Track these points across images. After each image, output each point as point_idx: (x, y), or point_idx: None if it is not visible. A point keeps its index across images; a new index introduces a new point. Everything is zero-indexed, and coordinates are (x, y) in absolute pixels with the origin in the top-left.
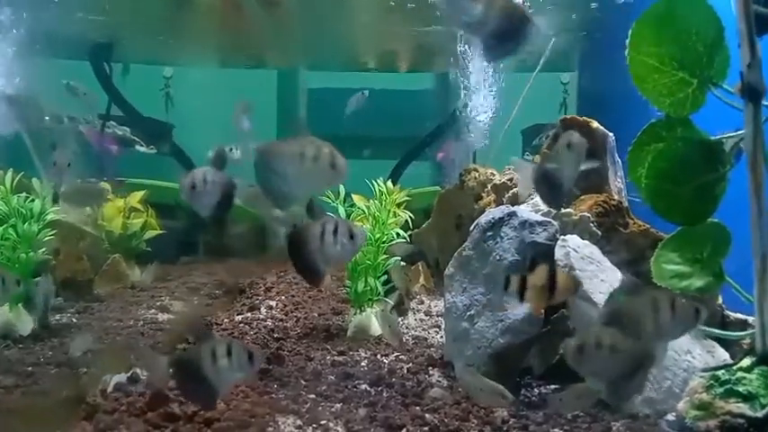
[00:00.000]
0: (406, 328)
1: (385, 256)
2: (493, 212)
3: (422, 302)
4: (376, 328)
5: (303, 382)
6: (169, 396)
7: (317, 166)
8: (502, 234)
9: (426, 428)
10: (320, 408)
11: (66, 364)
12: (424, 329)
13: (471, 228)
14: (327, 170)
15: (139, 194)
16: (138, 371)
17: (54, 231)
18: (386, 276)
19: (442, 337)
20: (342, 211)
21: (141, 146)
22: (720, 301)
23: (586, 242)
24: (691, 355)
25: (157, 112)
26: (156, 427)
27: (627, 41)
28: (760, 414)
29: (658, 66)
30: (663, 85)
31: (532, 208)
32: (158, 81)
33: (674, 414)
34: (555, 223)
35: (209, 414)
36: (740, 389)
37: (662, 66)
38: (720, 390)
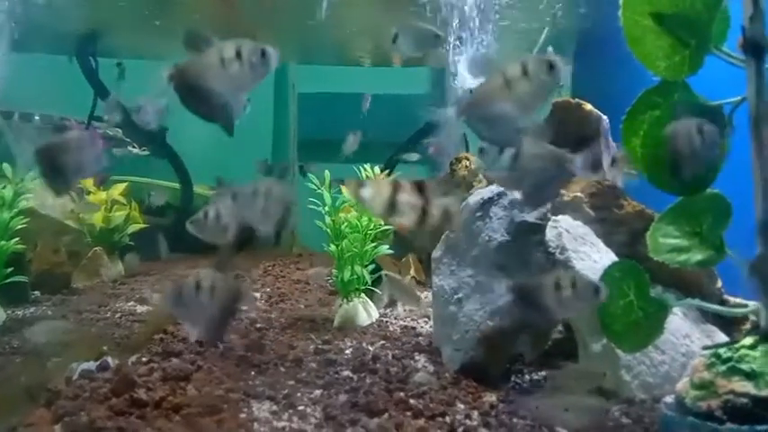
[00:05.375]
0: (395, 318)
1: (373, 245)
2: (482, 192)
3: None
4: (364, 317)
5: (283, 369)
6: (136, 381)
7: None
8: (491, 214)
9: (410, 413)
10: (298, 393)
11: (33, 354)
12: (413, 319)
13: (460, 208)
14: None
15: (121, 187)
16: (109, 359)
17: (26, 219)
18: (374, 265)
19: (431, 326)
20: (327, 196)
21: (134, 147)
22: (720, 284)
23: (579, 223)
24: (689, 339)
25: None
26: (119, 413)
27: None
28: (765, 393)
29: (654, 26)
30: (658, 47)
31: None
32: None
33: (673, 395)
34: None
35: (178, 400)
36: (743, 367)
37: (659, 26)
38: (723, 368)
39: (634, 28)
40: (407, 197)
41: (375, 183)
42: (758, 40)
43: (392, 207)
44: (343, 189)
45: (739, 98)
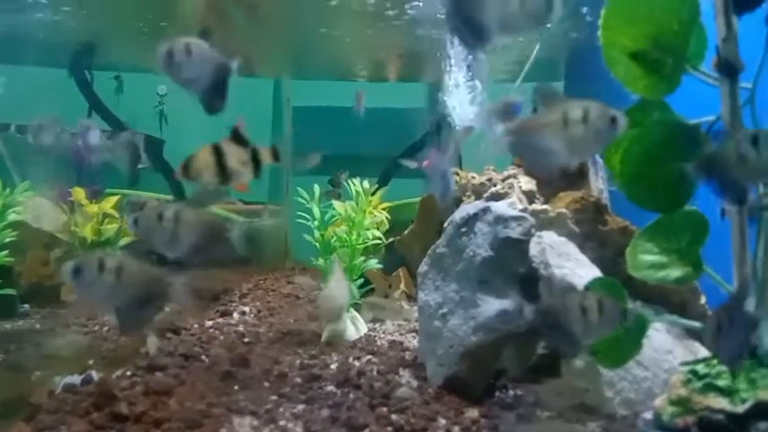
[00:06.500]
0: (384, 333)
1: (362, 259)
2: (467, 208)
3: (401, 308)
4: (352, 332)
5: (267, 384)
6: (117, 396)
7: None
8: (476, 230)
9: (390, 428)
10: (281, 408)
11: (18, 368)
12: (401, 334)
13: (445, 224)
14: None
15: (113, 200)
16: (93, 373)
17: (15, 232)
18: (362, 280)
19: (418, 341)
20: (316, 211)
21: None
22: (704, 301)
23: (563, 239)
24: (672, 355)
25: (152, 129)
26: (100, 427)
27: (599, 21)
28: (740, 409)
29: (632, 45)
30: (636, 66)
31: (509, 205)
32: (153, 98)
33: (651, 412)
34: (530, 218)
35: (159, 414)
36: (720, 383)
37: (636, 46)
38: (699, 384)
39: (612, 48)
40: (234, 153)
41: (197, 154)
42: (731, 60)
43: (225, 171)
44: (335, 204)
45: (712, 120)
